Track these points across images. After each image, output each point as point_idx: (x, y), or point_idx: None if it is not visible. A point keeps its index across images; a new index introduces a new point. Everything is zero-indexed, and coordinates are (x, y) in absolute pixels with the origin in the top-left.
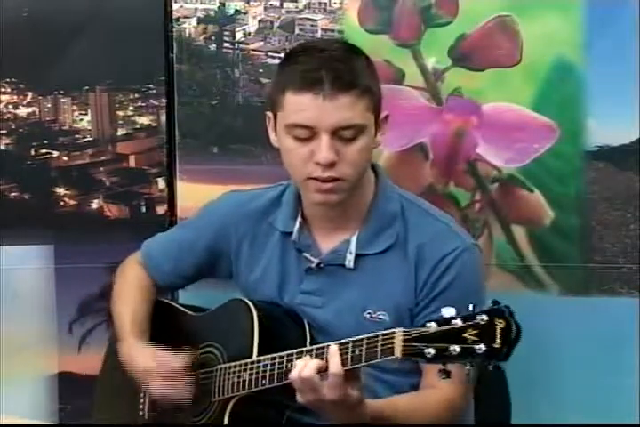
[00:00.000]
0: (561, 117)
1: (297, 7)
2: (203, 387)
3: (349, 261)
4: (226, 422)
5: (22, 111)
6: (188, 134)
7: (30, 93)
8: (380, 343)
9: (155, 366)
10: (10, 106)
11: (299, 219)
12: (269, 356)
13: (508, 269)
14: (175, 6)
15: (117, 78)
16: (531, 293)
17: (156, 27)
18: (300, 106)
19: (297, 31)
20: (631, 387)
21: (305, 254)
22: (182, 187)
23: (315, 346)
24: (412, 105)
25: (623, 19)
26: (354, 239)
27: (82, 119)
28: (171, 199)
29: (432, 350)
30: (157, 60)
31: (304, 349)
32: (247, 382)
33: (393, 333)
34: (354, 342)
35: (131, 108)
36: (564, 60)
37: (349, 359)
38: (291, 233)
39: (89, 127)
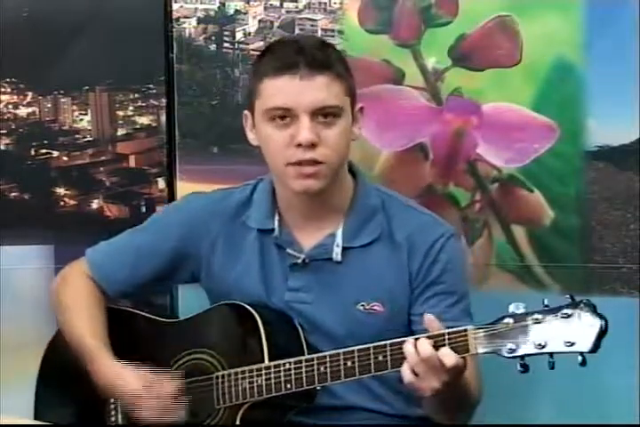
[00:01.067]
0: (561, 117)
1: (297, 7)
2: (200, 395)
3: (337, 254)
4: None
5: (22, 111)
6: (187, 134)
7: (30, 93)
8: (450, 341)
9: (145, 390)
10: (10, 106)
11: (276, 215)
12: (293, 360)
13: (508, 269)
14: (175, 6)
15: (117, 78)
16: (531, 292)
17: (156, 27)
18: (278, 88)
19: (297, 31)
20: (631, 387)
21: (288, 251)
22: (182, 187)
23: (361, 347)
24: (412, 105)
25: (623, 19)
26: (339, 232)
27: (82, 119)
28: (171, 199)
29: (513, 346)
30: (157, 60)
31: (347, 350)
32: (264, 387)
33: (465, 330)
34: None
35: (131, 108)
36: (564, 60)
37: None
38: (267, 230)
39: (89, 127)
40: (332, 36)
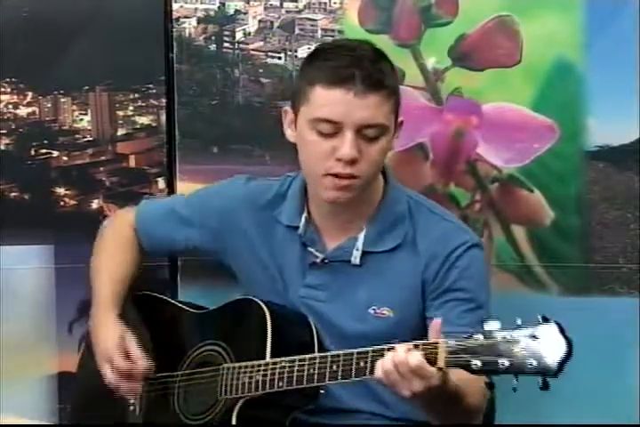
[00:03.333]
0: (561, 117)
1: (297, 7)
2: (206, 385)
3: (355, 257)
4: (234, 421)
5: (22, 111)
6: (187, 134)
7: (30, 93)
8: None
9: (113, 349)
10: (10, 106)
11: (304, 214)
12: (287, 358)
13: (508, 269)
14: (175, 6)
15: (117, 78)
16: (531, 292)
17: (156, 27)
18: (329, 100)
19: (297, 31)
20: (631, 387)
21: (310, 249)
22: (182, 187)
23: (346, 351)
24: (412, 105)
25: (623, 19)
26: (361, 236)
27: (82, 119)
28: None
29: (479, 362)
30: (157, 60)
31: (335, 353)
32: (261, 382)
33: (436, 342)
34: (388, 349)
35: (131, 108)
36: (564, 60)
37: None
38: (295, 227)
39: (89, 127)
40: (332, 36)
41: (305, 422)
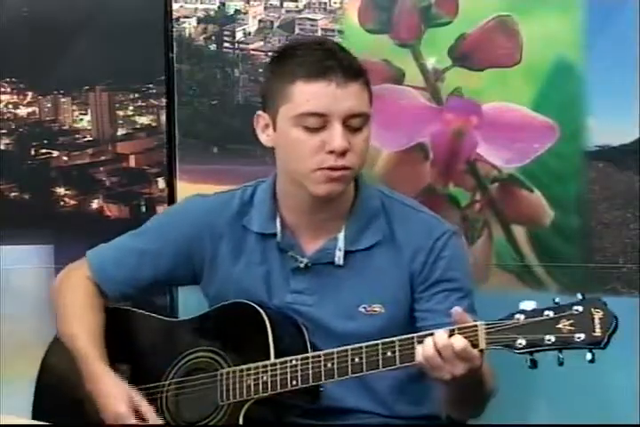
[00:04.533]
0: (561, 117)
1: (297, 7)
2: (202, 391)
3: (339, 257)
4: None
5: (22, 111)
6: (187, 134)
7: (30, 93)
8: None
9: (129, 413)
10: (10, 106)
11: (278, 219)
12: (300, 356)
13: (508, 269)
14: (175, 6)
15: (117, 78)
16: (531, 292)
17: (156, 27)
18: (313, 94)
19: (297, 31)
20: (631, 387)
21: (291, 254)
22: (182, 187)
23: (369, 343)
24: (412, 105)
25: (623, 19)
26: (341, 236)
27: (82, 119)
28: (171, 199)
29: (523, 341)
30: (157, 59)
31: (356, 346)
32: (270, 383)
33: (475, 325)
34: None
35: (131, 107)
36: (565, 60)
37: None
38: (268, 234)
39: (89, 127)
40: (332, 36)
41: (303, 421)
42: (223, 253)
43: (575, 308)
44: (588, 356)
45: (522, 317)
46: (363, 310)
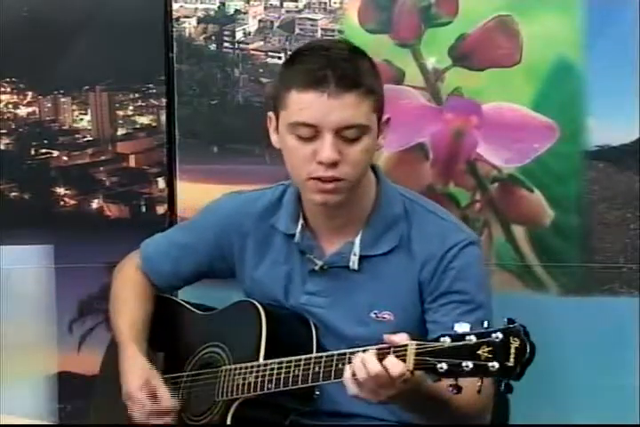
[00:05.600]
0: (561, 117)
1: (297, 7)
2: (207, 386)
3: (353, 262)
4: (229, 422)
5: (22, 111)
6: (188, 134)
7: (30, 93)
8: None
9: (140, 396)
10: (10, 106)
11: (300, 221)
12: (277, 360)
13: (508, 268)
14: (175, 6)
15: (117, 78)
16: (531, 292)
17: (156, 26)
18: (305, 104)
19: (297, 31)
20: (631, 387)
21: (309, 256)
22: (182, 186)
23: (328, 353)
24: (412, 105)
25: (623, 19)
26: (357, 241)
27: (82, 119)
28: (171, 199)
29: (444, 365)
30: (157, 59)
31: (317, 355)
32: (252, 384)
33: (405, 345)
34: (363, 351)
35: (131, 107)
36: (565, 59)
37: None
38: (293, 235)
39: (89, 127)
40: (332, 36)
41: (304, 425)
42: (250, 250)
43: (495, 335)
44: (502, 386)
45: (448, 340)
46: (373, 315)
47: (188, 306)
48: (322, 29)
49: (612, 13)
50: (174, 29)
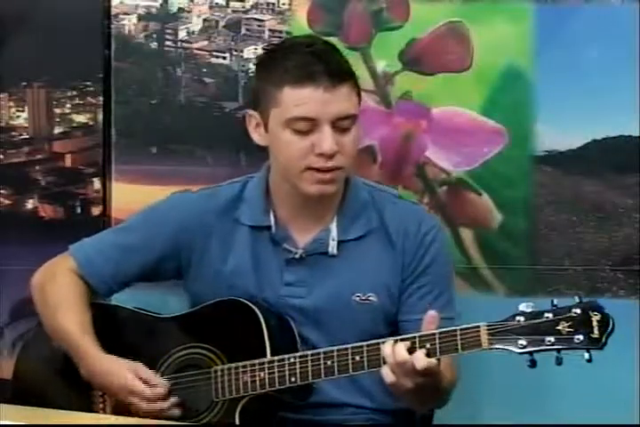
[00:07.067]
0: (510, 122)
1: (244, 7)
2: (195, 387)
3: (332, 247)
4: (237, 420)
5: None
6: (125, 134)
7: None
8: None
9: (134, 379)
10: None
11: (271, 212)
12: (298, 354)
13: (457, 271)
14: (115, 2)
15: (55, 75)
16: (477, 294)
17: (95, 23)
18: (301, 99)
19: (243, 31)
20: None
21: (285, 246)
22: (118, 187)
23: (369, 341)
24: (362, 108)
25: (572, 27)
26: (333, 226)
27: (19, 116)
28: (105, 200)
29: (524, 341)
30: (95, 57)
31: (353, 345)
32: (267, 380)
33: (477, 326)
34: (427, 335)
35: (68, 105)
36: (514, 66)
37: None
38: (261, 227)
39: (26, 124)
40: (280, 37)
41: (291, 417)
42: (213, 248)
43: (574, 310)
44: (586, 356)
45: (522, 318)
46: (357, 298)
47: (141, 311)
48: (269, 30)
49: (562, 22)
50: (113, 26)
